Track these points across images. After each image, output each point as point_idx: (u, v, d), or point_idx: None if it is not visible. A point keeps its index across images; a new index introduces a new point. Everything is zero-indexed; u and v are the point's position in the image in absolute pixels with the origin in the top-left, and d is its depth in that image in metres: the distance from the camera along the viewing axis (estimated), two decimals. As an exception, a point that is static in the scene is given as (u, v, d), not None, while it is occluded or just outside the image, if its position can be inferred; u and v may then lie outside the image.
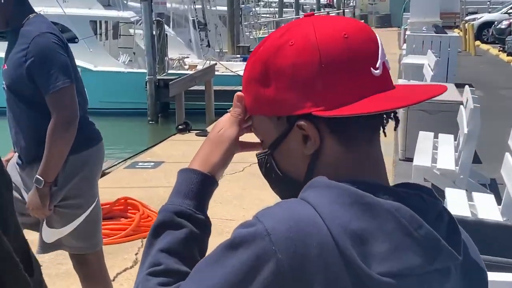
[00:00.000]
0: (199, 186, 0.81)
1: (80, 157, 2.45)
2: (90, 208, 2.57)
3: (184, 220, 0.78)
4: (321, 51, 0.72)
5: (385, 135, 0.80)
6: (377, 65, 0.75)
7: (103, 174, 5.46)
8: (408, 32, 12.81)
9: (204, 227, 0.80)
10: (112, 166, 6.81)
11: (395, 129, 0.82)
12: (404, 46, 12.62)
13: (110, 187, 5.14)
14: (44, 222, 2.49)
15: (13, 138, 2.50)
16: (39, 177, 2.33)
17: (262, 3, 38.52)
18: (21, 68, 2.33)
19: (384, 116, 0.77)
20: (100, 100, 11.20)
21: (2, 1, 2.32)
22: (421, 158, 4.30)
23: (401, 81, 8.01)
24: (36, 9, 2.52)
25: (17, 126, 2.47)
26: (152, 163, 6.18)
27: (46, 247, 2.55)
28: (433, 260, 0.70)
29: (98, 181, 2.66)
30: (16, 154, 2.53)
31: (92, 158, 2.54)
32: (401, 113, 5.70)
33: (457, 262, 0.73)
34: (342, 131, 0.74)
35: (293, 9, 32.61)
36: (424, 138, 4.87)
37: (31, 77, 2.31)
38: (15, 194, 2.19)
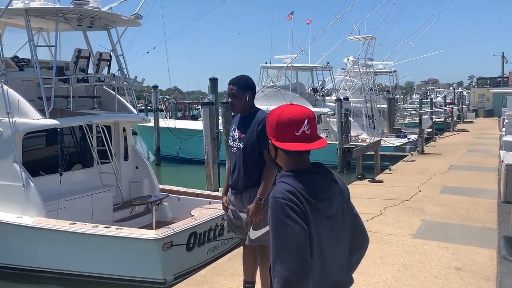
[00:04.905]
0: None
1: None
2: None
3: None
4: (279, 120, 1.70)
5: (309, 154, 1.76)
6: (300, 130, 1.68)
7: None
8: (506, 120, 16.89)
9: None
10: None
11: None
12: (503, 129, 16.76)
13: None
14: (251, 226, 3.57)
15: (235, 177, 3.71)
16: (260, 196, 3.47)
17: (408, 101, 49.38)
18: (254, 134, 3.56)
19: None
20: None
21: (247, 100, 3.62)
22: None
23: (502, 152, 10.01)
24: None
25: (243, 168, 3.62)
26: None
27: (251, 242, 3.62)
28: (325, 193, 1.71)
29: None
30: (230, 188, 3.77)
31: None
32: (502, 171, 8.02)
33: (337, 188, 1.77)
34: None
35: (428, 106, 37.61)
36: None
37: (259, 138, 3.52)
38: (230, 214, 3.76)
